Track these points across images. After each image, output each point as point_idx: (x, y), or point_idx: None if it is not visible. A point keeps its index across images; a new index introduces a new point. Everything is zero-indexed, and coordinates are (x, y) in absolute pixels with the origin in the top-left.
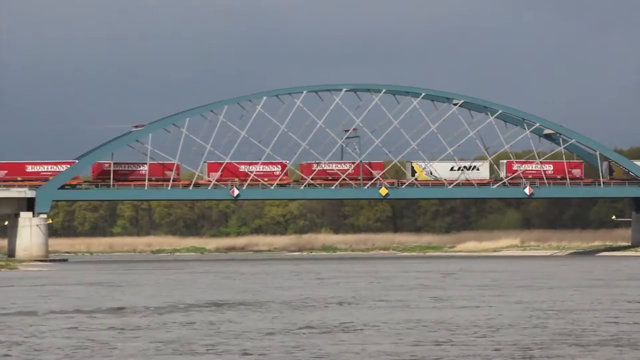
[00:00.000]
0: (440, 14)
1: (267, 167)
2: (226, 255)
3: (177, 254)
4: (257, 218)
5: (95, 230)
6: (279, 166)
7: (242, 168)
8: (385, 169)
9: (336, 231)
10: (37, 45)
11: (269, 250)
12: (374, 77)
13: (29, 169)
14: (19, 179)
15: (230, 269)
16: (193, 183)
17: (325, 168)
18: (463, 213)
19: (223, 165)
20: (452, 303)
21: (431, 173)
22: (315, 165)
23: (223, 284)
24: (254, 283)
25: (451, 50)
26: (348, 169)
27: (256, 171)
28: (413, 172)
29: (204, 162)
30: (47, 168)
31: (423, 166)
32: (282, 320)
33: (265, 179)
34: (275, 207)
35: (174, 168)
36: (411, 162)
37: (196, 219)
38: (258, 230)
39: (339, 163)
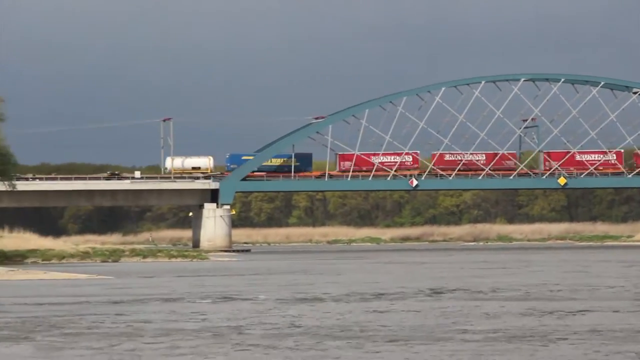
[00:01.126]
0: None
1: (397, 157)
2: (406, 245)
3: (354, 244)
4: (431, 208)
5: (271, 221)
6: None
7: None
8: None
9: (510, 221)
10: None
11: (444, 241)
12: (552, 66)
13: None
14: (364, 169)
15: (429, 259)
16: (372, 173)
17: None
18: None
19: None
20: None
21: None
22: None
23: (428, 273)
24: (469, 271)
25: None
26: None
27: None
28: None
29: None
30: (391, 159)
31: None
32: (524, 306)
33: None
34: (449, 197)
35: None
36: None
37: (370, 209)
38: (432, 221)
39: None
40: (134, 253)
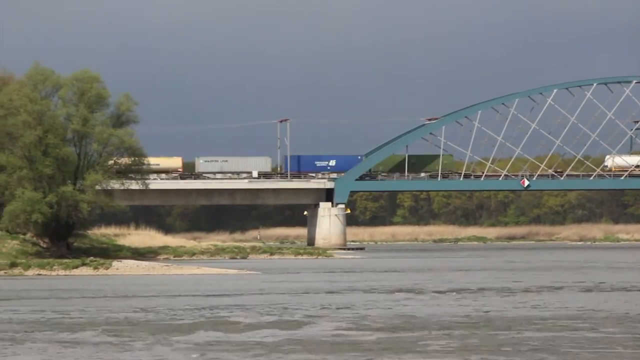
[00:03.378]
0: None
1: None
2: (518, 244)
3: (460, 243)
4: (536, 208)
5: (376, 220)
6: None
7: None
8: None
9: (616, 221)
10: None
11: (551, 240)
12: None
13: None
14: None
15: (546, 257)
16: (485, 174)
17: None
18: None
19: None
20: None
21: None
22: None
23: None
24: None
25: None
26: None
27: None
28: None
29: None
30: None
31: None
32: None
33: None
34: (554, 197)
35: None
36: None
37: (474, 209)
38: (536, 220)
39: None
40: (262, 250)
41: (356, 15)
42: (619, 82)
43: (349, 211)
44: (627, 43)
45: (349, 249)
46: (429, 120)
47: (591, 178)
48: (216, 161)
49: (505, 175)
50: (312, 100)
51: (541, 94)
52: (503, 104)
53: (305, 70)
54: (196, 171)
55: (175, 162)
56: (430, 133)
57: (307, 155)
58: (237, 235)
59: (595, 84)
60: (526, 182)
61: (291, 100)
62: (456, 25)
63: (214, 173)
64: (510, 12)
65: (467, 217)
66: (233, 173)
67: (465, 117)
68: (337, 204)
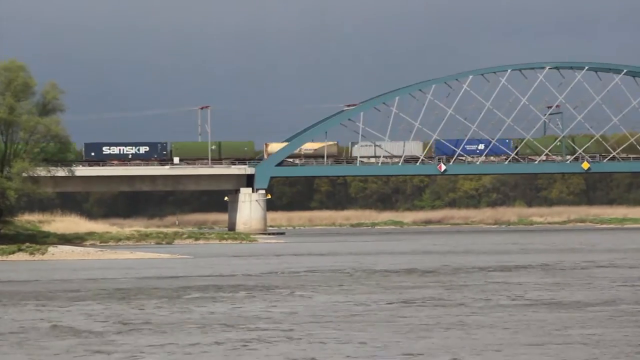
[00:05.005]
0: None
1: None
2: (434, 228)
3: (377, 227)
4: (451, 192)
5: (293, 205)
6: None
7: None
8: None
9: (529, 204)
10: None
11: (466, 224)
12: (575, 51)
13: None
14: None
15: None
16: (402, 159)
17: None
18: None
19: None
20: None
21: None
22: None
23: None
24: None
25: None
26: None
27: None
28: None
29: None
30: None
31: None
32: None
33: None
34: (469, 181)
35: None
36: None
37: (391, 193)
38: (452, 204)
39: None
40: (186, 235)
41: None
42: (532, 69)
43: (269, 196)
44: (541, 29)
45: (269, 234)
46: (348, 106)
47: (506, 162)
48: (370, 146)
49: (422, 160)
50: (233, 86)
51: (457, 80)
52: (420, 90)
53: (224, 54)
54: (351, 156)
55: (331, 148)
56: (349, 119)
57: (456, 139)
58: (156, 221)
59: (509, 70)
60: (443, 167)
61: (213, 85)
62: (373, 11)
63: (368, 157)
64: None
65: (384, 202)
66: (387, 157)
67: (383, 103)
68: (258, 189)
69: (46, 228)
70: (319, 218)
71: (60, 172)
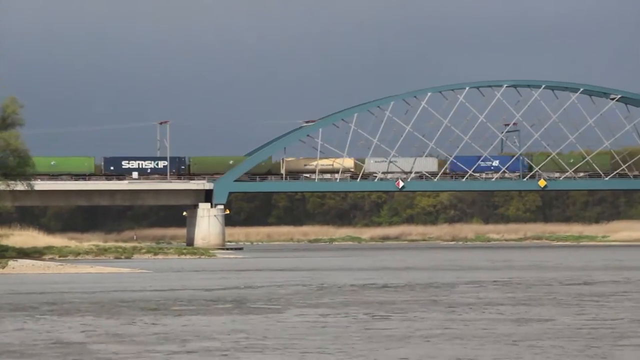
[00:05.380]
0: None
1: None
2: (391, 244)
3: (335, 243)
4: (409, 208)
5: (251, 220)
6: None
7: None
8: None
9: (486, 221)
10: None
11: (424, 240)
12: (532, 69)
13: None
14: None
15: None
16: (361, 175)
17: None
18: (612, 203)
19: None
20: None
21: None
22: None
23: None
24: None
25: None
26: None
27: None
28: None
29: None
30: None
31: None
32: None
33: None
34: (427, 198)
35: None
36: None
37: (348, 209)
38: (409, 220)
39: None
40: (145, 250)
41: (232, 12)
42: (490, 86)
43: (228, 212)
44: (498, 47)
45: (228, 249)
46: (307, 122)
47: (463, 180)
48: (384, 161)
49: (380, 177)
50: (192, 101)
51: (415, 97)
52: (379, 106)
53: (182, 69)
54: (365, 171)
55: (348, 162)
56: (308, 135)
57: (472, 156)
58: (114, 236)
59: (467, 88)
60: (401, 184)
61: (172, 100)
62: (330, 27)
63: (384, 172)
64: (382, 14)
65: (342, 218)
66: (401, 172)
67: (342, 119)
68: (216, 204)
69: (4, 242)
70: (277, 233)
71: (20, 186)
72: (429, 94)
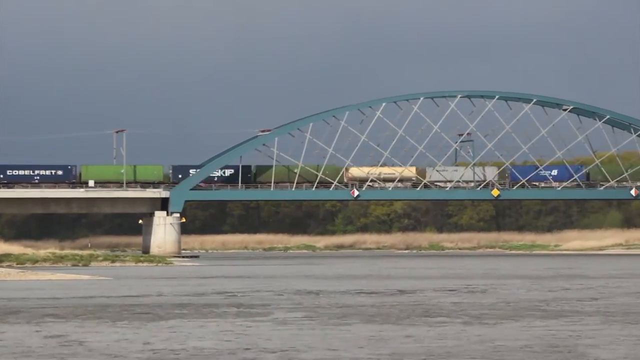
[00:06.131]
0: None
1: None
2: (345, 253)
3: (290, 251)
4: (363, 217)
5: (206, 228)
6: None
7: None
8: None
9: (440, 230)
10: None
11: (378, 249)
12: (486, 79)
13: None
14: None
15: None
16: (315, 184)
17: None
18: (565, 212)
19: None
20: None
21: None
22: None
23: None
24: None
25: (560, 49)
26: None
27: None
28: None
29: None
30: None
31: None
32: None
33: None
34: (380, 207)
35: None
36: None
37: (303, 217)
38: (363, 229)
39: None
40: (102, 258)
41: (188, 17)
42: (444, 97)
43: (184, 220)
44: (451, 58)
45: (184, 257)
46: (262, 131)
47: (417, 189)
48: (446, 171)
49: (335, 185)
50: (145, 109)
51: (370, 107)
52: (334, 116)
53: (138, 77)
54: (428, 180)
55: (410, 171)
56: (264, 144)
57: (531, 165)
58: (68, 244)
59: (422, 98)
60: (356, 192)
61: (125, 108)
62: (287, 33)
63: (445, 182)
64: (337, 24)
65: (296, 226)
66: (462, 182)
67: (298, 129)
68: (172, 212)
69: None
70: (231, 242)
71: None
72: (384, 104)
